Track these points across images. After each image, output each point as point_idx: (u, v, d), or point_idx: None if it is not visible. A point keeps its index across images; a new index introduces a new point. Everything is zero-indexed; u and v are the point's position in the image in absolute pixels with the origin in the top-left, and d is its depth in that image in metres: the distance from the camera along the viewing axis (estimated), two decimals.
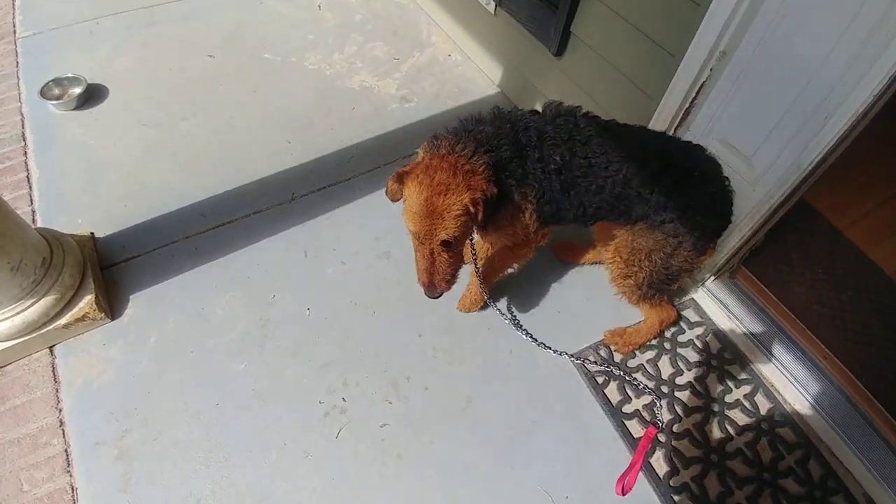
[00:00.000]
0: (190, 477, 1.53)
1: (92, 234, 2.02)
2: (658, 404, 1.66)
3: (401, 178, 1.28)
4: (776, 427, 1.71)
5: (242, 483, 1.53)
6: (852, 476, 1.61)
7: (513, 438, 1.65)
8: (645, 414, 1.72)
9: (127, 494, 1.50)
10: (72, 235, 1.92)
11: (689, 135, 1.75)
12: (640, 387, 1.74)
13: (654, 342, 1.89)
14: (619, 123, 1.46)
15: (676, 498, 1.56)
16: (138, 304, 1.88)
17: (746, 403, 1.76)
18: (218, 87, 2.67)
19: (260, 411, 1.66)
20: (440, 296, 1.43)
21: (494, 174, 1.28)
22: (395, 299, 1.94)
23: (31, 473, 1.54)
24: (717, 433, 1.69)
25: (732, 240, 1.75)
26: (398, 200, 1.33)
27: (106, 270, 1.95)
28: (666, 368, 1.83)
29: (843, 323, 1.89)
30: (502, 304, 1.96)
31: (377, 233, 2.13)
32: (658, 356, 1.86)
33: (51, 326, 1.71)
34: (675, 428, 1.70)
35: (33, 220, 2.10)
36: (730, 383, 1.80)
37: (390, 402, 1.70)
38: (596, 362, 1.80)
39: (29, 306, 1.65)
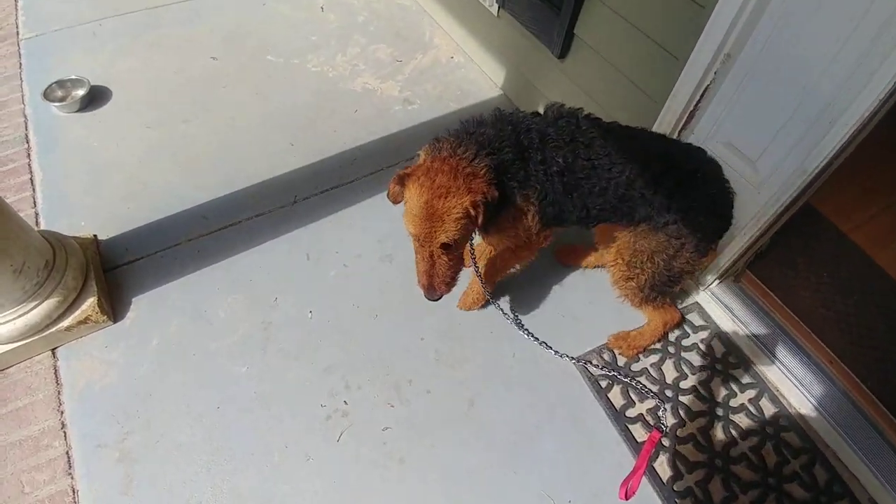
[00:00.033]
0: (191, 480, 1.52)
1: (95, 236, 2.02)
2: (662, 408, 1.65)
3: (402, 181, 1.29)
4: (781, 431, 1.69)
5: (244, 486, 1.52)
6: (858, 481, 1.60)
7: (515, 442, 1.64)
8: (649, 418, 1.71)
9: (128, 497, 1.50)
10: (75, 238, 1.92)
11: (694, 138, 1.75)
12: (644, 391, 1.73)
13: (658, 346, 1.88)
14: (620, 125, 1.45)
15: (680, 503, 1.55)
16: (140, 306, 1.88)
17: (751, 407, 1.74)
18: (220, 89, 2.67)
19: (262, 414, 1.66)
20: (440, 298, 1.43)
21: (496, 177, 1.27)
22: (398, 302, 1.94)
23: (32, 475, 1.54)
24: (721, 437, 1.68)
25: (737, 243, 1.74)
26: (399, 202, 1.33)
27: (108, 273, 1.95)
28: (670, 372, 1.82)
29: (848, 327, 1.88)
30: (504, 306, 1.95)
31: (380, 235, 2.13)
32: (662, 360, 1.85)
33: (53, 329, 1.70)
34: (678, 432, 1.69)
35: (36, 222, 2.11)
36: (734, 387, 1.79)
37: (392, 406, 1.69)
38: (599, 366, 1.79)
39: (31, 309, 1.65)
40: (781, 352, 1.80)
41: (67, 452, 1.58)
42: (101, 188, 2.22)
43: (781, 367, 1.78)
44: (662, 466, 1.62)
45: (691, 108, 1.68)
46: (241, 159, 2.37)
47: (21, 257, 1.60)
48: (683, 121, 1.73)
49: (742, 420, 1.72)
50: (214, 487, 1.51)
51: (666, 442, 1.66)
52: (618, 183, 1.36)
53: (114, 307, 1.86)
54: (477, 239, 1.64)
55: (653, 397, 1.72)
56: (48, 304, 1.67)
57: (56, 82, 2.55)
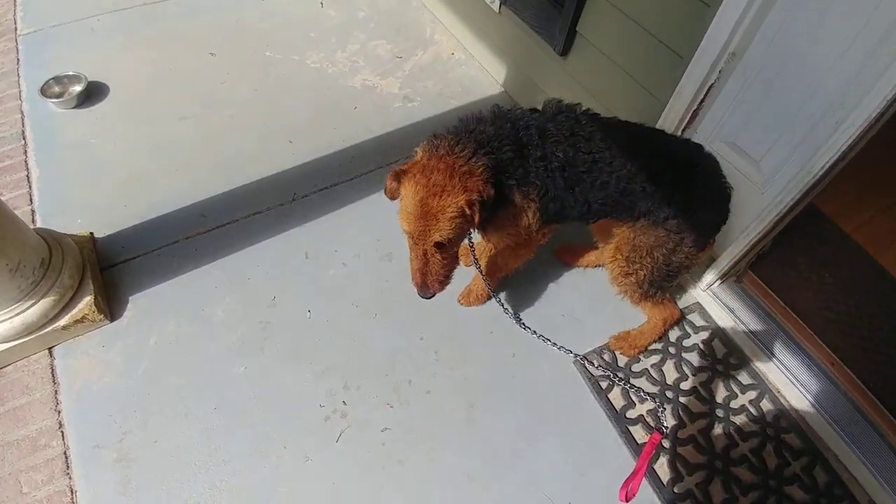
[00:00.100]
0: (189, 481, 1.52)
1: (91, 234, 2.01)
2: (662, 409, 1.64)
3: (398, 177, 1.28)
4: (782, 433, 1.69)
5: (241, 487, 1.52)
6: (858, 483, 1.60)
7: (515, 444, 1.64)
8: (649, 419, 1.70)
9: (127, 498, 1.49)
10: (71, 236, 1.90)
11: (697, 137, 1.73)
12: (642, 394, 1.72)
13: (658, 346, 1.87)
14: (620, 120, 1.44)
15: None
16: (138, 305, 1.86)
17: (752, 409, 1.74)
18: (219, 86, 2.65)
19: (260, 415, 1.65)
20: (433, 296, 1.42)
21: (494, 175, 1.26)
22: (397, 302, 1.92)
23: (30, 475, 1.53)
24: (721, 439, 1.67)
25: (740, 244, 1.72)
26: (396, 198, 1.32)
27: (105, 271, 1.94)
28: (671, 373, 1.81)
29: (850, 328, 1.87)
30: (504, 303, 1.94)
31: (379, 234, 2.11)
32: (663, 361, 1.84)
33: (50, 328, 1.69)
34: (679, 434, 1.68)
35: (33, 219, 2.09)
36: (735, 388, 1.78)
37: (391, 406, 1.69)
38: (599, 367, 1.78)
39: (28, 308, 1.63)
40: (782, 353, 1.79)
41: (65, 452, 1.57)
42: (98, 185, 2.20)
43: (782, 369, 1.77)
44: (663, 468, 1.61)
45: (695, 107, 1.67)
46: (240, 157, 2.35)
47: (17, 256, 1.58)
48: (687, 119, 1.72)
49: (743, 421, 1.71)
50: (213, 488, 1.51)
51: (666, 443, 1.66)
52: (619, 176, 1.35)
53: (111, 306, 1.85)
54: (478, 237, 1.63)
55: (651, 400, 1.71)
56: (44, 303, 1.66)
57: (53, 78, 2.52)
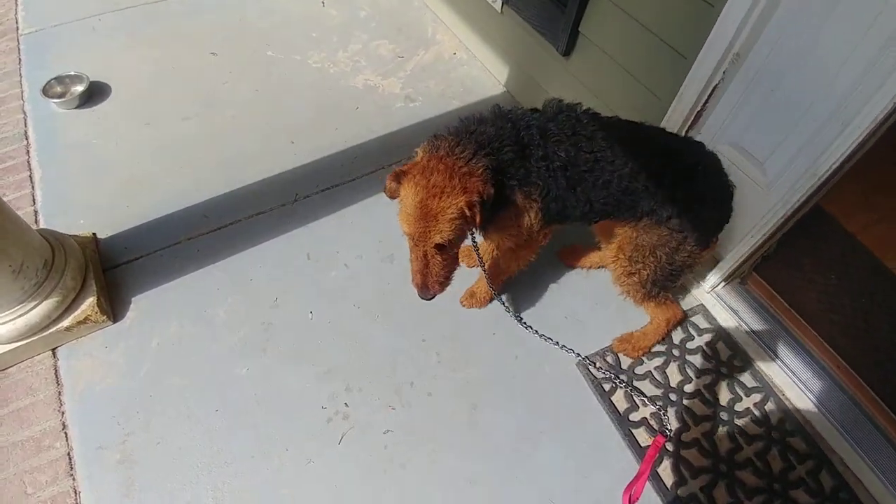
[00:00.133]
0: (192, 482, 1.52)
1: (94, 234, 2.01)
2: (664, 413, 1.63)
3: (399, 178, 1.27)
4: (787, 437, 1.67)
5: (244, 489, 1.52)
6: (864, 487, 1.58)
7: (517, 446, 1.63)
8: (653, 422, 1.69)
9: (129, 499, 1.49)
10: (73, 236, 1.91)
11: (700, 138, 1.71)
12: (643, 401, 1.70)
13: (662, 348, 1.86)
14: (620, 119, 1.44)
15: None
16: (140, 306, 1.86)
17: (756, 412, 1.72)
18: (221, 86, 2.64)
19: (262, 416, 1.65)
20: (433, 297, 1.42)
21: (494, 176, 1.26)
22: (399, 303, 1.92)
23: (34, 476, 1.54)
24: (726, 442, 1.66)
25: (744, 246, 1.71)
26: (396, 198, 1.32)
27: (108, 272, 1.94)
28: (674, 376, 1.80)
29: (856, 330, 1.85)
30: (507, 305, 1.93)
31: (381, 235, 2.10)
32: (666, 363, 1.83)
33: (53, 329, 1.70)
34: (683, 436, 1.67)
35: (36, 220, 2.09)
36: (739, 391, 1.77)
37: (393, 409, 1.68)
38: (602, 369, 1.77)
39: (31, 309, 1.64)
40: (787, 355, 1.78)
41: (69, 453, 1.57)
42: (100, 185, 2.21)
43: (787, 371, 1.76)
44: (666, 471, 1.60)
45: (699, 108, 1.65)
46: (242, 157, 2.35)
47: (20, 257, 1.58)
48: (690, 120, 1.70)
49: (747, 424, 1.70)
50: (215, 490, 1.51)
51: (670, 446, 1.65)
52: (621, 175, 1.34)
53: (113, 307, 1.85)
54: (481, 238, 1.62)
55: (651, 404, 1.70)
56: (48, 304, 1.66)
57: (55, 78, 2.52)
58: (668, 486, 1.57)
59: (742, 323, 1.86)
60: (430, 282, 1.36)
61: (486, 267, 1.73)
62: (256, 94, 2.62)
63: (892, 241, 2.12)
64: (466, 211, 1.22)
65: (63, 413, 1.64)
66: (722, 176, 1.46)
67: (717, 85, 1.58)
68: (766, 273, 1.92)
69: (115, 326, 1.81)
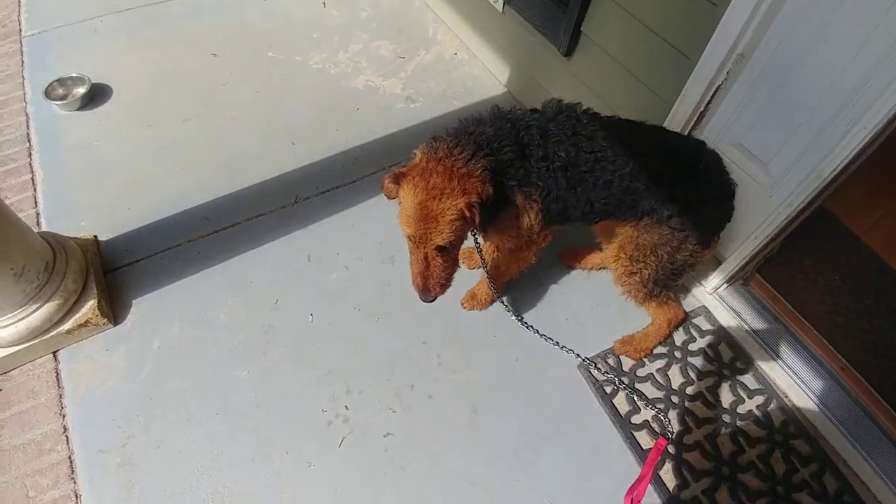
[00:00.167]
0: (192, 486, 1.52)
1: (95, 237, 2.01)
2: (665, 418, 1.62)
3: (397, 179, 1.27)
4: (790, 439, 1.66)
5: (244, 493, 1.51)
6: (869, 490, 1.57)
7: (519, 449, 1.62)
8: (654, 425, 1.68)
9: (130, 503, 1.49)
10: (74, 239, 1.91)
11: (703, 138, 1.70)
12: (644, 404, 1.69)
13: (664, 350, 1.85)
14: (620, 118, 1.43)
15: None
16: (141, 309, 1.87)
17: (759, 414, 1.71)
18: (221, 87, 2.64)
19: (262, 419, 1.65)
20: (434, 299, 1.41)
21: (493, 177, 1.26)
22: (400, 305, 1.91)
23: (36, 479, 1.54)
24: (728, 445, 1.65)
25: (748, 247, 1.70)
26: (394, 199, 1.32)
27: (109, 274, 1.94)
28: (676, 378, 1.79)
29: (860, 332, 1.83)
30: (508, 306, 1.92)
31: (381, 237, 2.10)
32: (668, 365, 1.82)
33: (54, 332, 1.70)
34: (685, 439, 1.66)
35: (38, 222, 2.10)
36: (742, 393, 1.76)
37: (394, 412, 1.68)
38: (603, 371, 1.76)
39: (32, 312, 1.64)
40: (791, 357, 1.77)
41: (70, 457, 1.58)
42: (102, 188, 2.21)
43: (791, 373, 1.74)
44: (668, 474, 1.59)
45: (702, 109, 1.64)
46: (242, 158, 2.35)
47: (21, 260, 1.59)
48: (693, 121, 1.69)
49: (750, 427, 1.69)
50: (215, 494, 1.51)
51: (672, 449, 1.64)
52: (622, 175, 1.34)
53: (114, 310, 1.85)
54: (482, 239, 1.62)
55: (651, 408, 1.69)
56: (49, 307, 1.67)
57: (57, 80, 2.53)
58: (671, 489, 1.56)
59: (744, 324, 1.85)
60: (432, 284, 1.36)
61: (488, 270, 1.72)
62: (257, 95, 2.62)
63: None
64: (466, 212, 1.22)
65: (64, 416, 1.65)
66: (723, 174, 1.45)
67: (720, 85, 1.56)
68: (769, 274, 1.90)
69: (116, 329, 1.82)
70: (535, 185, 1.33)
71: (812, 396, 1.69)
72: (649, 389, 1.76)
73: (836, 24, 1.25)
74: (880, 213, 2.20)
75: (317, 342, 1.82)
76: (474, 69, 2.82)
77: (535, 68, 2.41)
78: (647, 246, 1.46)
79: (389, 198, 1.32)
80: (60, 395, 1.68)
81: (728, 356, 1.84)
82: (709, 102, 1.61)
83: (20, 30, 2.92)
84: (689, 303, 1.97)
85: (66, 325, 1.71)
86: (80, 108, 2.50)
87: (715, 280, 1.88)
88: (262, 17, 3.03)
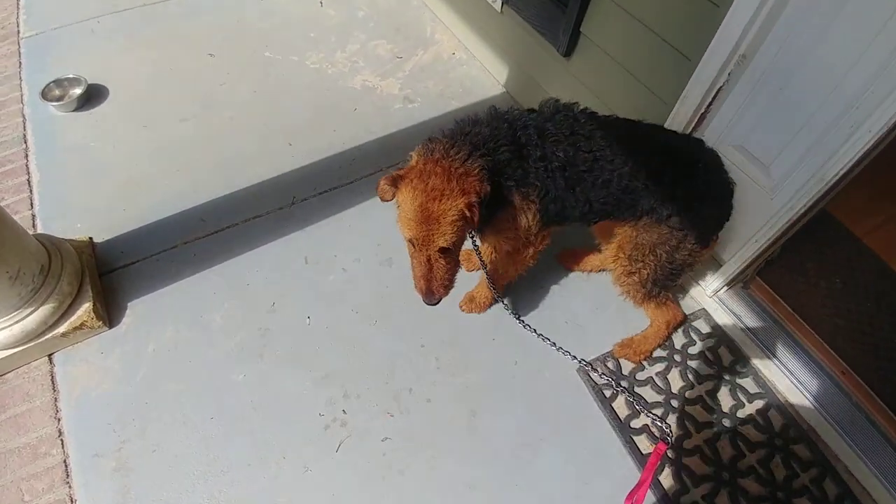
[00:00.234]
0: (188, 491, 1.51)
1: (90, 239, 2.00)
2: (665, 423, 1.61)
3: (394, 182, 1.25)
4: (790, 444, 1.65)
5: (240, 498, 1.50)
6: (870, 496, 1.56)
7: (517, 453, 1.61)
8: (654, 429, 1.67)
9: None
10: (70, 241, 1.90)
11: (704, 140, 1.68)
12: (642, 410, 1.67)
13: (663, 353, 1.83)
14: (618, 118, 1.42)
15: None
16: (136, 312, 1.85)
17: (759, 419, 1.70)
18: (218, 87, 2.63)
19: (259, 423, 1.63)
20: (438, 302, 1.39)
21: (490, 176, 1.24)
22: (398, 308, 1.90)
23: (31, 483, 1.53)
24: (728, 450, 1.64)
25: (748, 250, 1.68)
26: (388, 200, 1.30)
27: (104, 277, 1.93)
28: (676, 381, 1.78)
29: (860, 335, 1.82)
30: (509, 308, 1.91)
31: (379, 239, 2.08)
32: (668, 369, 1.81)
33: (49, 335, 1.69)
34: (685, 444, 1.65)
35: (33, 223, 2.09)
36: (742, 397, 1.74)
37: (392, 415, 1.67)
38: (602, 374, 1.75)
39: (27, 315, 1.63)
40: (791, 361, 1.75)
41: (65, 461, 1.57)
42: (98, 189, 2.20)
43: (791, 377, 1.73)
44: (668, 479, 1.58)
45: (703, 110, 1.62)
46: (239, 158, 2.33)
47: (17, 263, 1.57)
48: (694, 123, 1.67)
49: (750, 432, 1.67)
50: (211, 498, 1.50)
51: (671, 454, 1.62)
52: (621, 174, 1.32)
53: (109, 312, 1.84)
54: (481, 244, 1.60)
55: (648, 414, 1.67)
56: (44, 310, 1.66)
57: (54, 81, 2.52)
58: (670, 495, 1.55)
59: (744, 328, 1.83)
60: (435, 286, 1.34)
61: (488, 271, 1.71)
62: (254, 95, 2.60)
63: None
64: (467, 212, 1.21)
65: (59, 420, 1.63)
66: (722, 173, 1.44)
67: (721, 87, 1.55)
68: (770, 277, 1.89)
69: (111, 332, 1.80)
70: (533, 186, 1.32)
71: (812, 400, 1.68)
72: (649, 393, 1.75)
73: (840, 27, 1.24)
74: (882, 217, 2.18)
75: (314, 345, 1.80)
76: (472, 69, 2.81)
77: (534, 68, 2.39)
78: (645, 245, 1.45)
79: (384, 200, 1.31)
80: (55, 399, 1.67)
81: (728, 359, 1.82)
82: (710, 104, 1.60)
83: (18, 31, 2.91)
84: (688, 305, 1.95)
85: (62, 328, 1.70)
86: (76, 109, 2.49)
87: (715, 283, 1.86)
88: (259, 17, 3.01)
